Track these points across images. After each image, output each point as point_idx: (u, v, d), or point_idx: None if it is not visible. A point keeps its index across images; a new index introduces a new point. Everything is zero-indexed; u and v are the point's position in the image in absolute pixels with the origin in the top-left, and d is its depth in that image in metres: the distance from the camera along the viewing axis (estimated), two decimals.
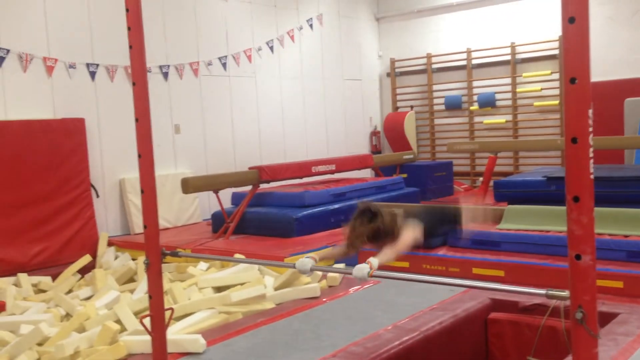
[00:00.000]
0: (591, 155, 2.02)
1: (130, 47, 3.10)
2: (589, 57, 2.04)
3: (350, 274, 2.84)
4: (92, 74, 7.77)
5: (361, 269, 2.80)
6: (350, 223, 3.21)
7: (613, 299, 4.40)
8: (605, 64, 9.76)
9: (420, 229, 3.31)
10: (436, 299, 4.52)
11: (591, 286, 2.02)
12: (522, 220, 5.77)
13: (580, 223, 2.02)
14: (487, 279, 5.17)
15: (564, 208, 1.97)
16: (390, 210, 3.24)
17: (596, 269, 4.82)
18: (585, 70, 2.01)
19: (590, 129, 2.03)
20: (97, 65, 7.81)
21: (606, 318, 3.98)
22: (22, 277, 6.16)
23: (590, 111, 2.05)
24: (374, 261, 2.87)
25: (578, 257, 2.03)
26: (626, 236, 5.08)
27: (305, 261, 3.06)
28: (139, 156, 3.13)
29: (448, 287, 4.46)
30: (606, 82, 9.65)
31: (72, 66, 7.57)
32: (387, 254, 3.09)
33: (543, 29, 10.20)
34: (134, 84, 3.12)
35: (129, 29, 3.09)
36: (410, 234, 3.22)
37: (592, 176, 2.03)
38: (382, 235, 3.17)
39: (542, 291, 2.21)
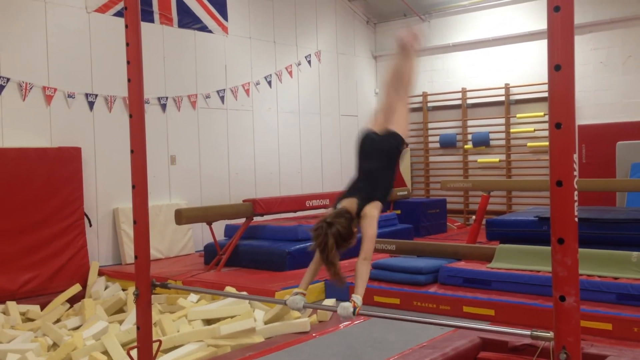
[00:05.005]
0: (576, 198, 2.06)
1: (129, 80, 3.17)
2: (574, 104, 2.09)
3: (335, 311, 2.83)
4: (91, 104, 7.85)
5: (346, 307, 2.79)
6: (317, 247, 2.99)
7: (602, 341, 4.40)
8: (598, 108, 9.91)
9: (377, 208, 3.17)
10: (426, 337, 4.51)
11: (575, 327, 2.04)
12: (513, 259, 5.79)
13: (565, 264, 2.06)
14: (477, 318, 5.17)
15: None
16: (338, 212, 3.05)
17: (586, 311, 4.84)
18: (570, 115, 2.07)
19: (576, 173, 2.07)
20: (96, 95, 7.89)
21: None
22: (11, 305, 6.12)
23: (576, 155, 2.10)
24: (357, 298, 2.85)
25: (562, 298, 2.05)
26: (616, 278, 5.10)
27: (296, 299, 3.01)
28: (133, 187, 3.17)
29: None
30: (599, 125, 9.79)
31: (71, 96, 7.65)
32: (361, 276, 2.99)
33: (537, 71, 10.38)
34: (130, 116, 3.17)
35: (128, 62, 3.16)
36: (370, 229, 3.07)
37: (576, 219, 2.07)
38: (345, 240, 3.02)
39: (527, 332, 2.23)
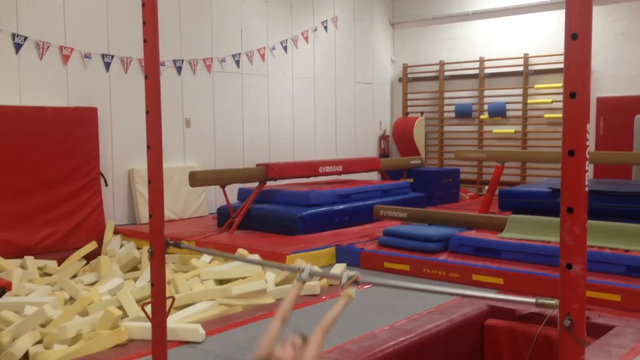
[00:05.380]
0: (587, 168, 2.08)
1: (145, 41, 3.18)
2: (589, 73, 2.09)
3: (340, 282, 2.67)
4: (107, 65, 7.87)
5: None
6: None
7: (610, 311, 4.44)
8: (618, 80, 9.77)
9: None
10: (434, 303, 4.57)
11: (580, 295, 2.07)
12: (523, 230, 5.81)
13: (573, 233, 2.07)
14: (486, 286, 5.22)
15: None
16: None
17: (595, 282, 4.85)
18: (585, 85, 2.06)
19: (588, 143, 2.08)
20: (112, 56, 7.91)
21: (602, 330, 4.03)
22: (29, 259, 6.26)
23: (589, 126, 2.10)
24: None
25: (569, 266, 2.08)
26: (627, 251, 5.11)
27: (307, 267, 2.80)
28: (148, 147, 3.20)
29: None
30: (618, 97, 9.66)
31: (87, 56, 7.67)
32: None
33: (556, 41, 10.22)
34: (146, 77, 3.19)
35: (144, 23, 3.16)
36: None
37: (586, 188, 2.09)
38: None
39: (532, 299, 2.27)
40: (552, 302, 2.21)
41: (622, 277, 4.85)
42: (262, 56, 9.83)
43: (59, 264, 6.46)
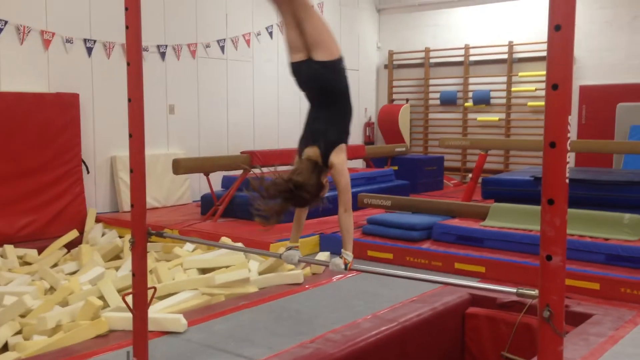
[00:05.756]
0: (568, 160, 2.08)
1: (127, 27, 3.13)
2: (572, 65, 2.09)
3: (328, 266, 2.88)
4: (89, 50, 7.76)
5: (337, 264, 2.85)
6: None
7: (589, 300, 4.49)
8: (601, 68, 9.82)
9: (343, 152, 3.06)
10: (416, 292, 4.59)
11: (560, 286, 2.08)
12: (506, 218, 5.84)
13: (553, 225, 2.08)
14: (468, 274, 5.25)
15: None
16: (303, 169, 2.99)
17: (575, 270, 4.89)
18: (567, 77, 2.06)
19: (569, 135, 2.09)
20: (95, 41, 7.79)
21: (580, 318, 4.08)
22: (8, 248, 6.18)
23: (571, 117, 2.10)
24: (348, 255, 2.88)
25: (549, 257, 2.09)
26: (606, 239, 5.16)
27: (291, 253, 3.07)
28: (130, 136, 3.17)
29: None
30: (601, 85, 9.72)
31: (69, 41, 7.56)
32: (347, 230, 2.91)
33: (541, 29, 10.24)
34: (128, 64, 3.15)
35: (126, 9, 3.11)
36: (342, 178, 2.94)
37: (567, 180, 2.09)
38: (317, 196, 2.96)
39: (513, 289, 2.28)
40: (532, 292, 2.23)
41: (601, 266, 4.90)
42: (247, 42, 9.75)
43: (40, 252, 6.39)
